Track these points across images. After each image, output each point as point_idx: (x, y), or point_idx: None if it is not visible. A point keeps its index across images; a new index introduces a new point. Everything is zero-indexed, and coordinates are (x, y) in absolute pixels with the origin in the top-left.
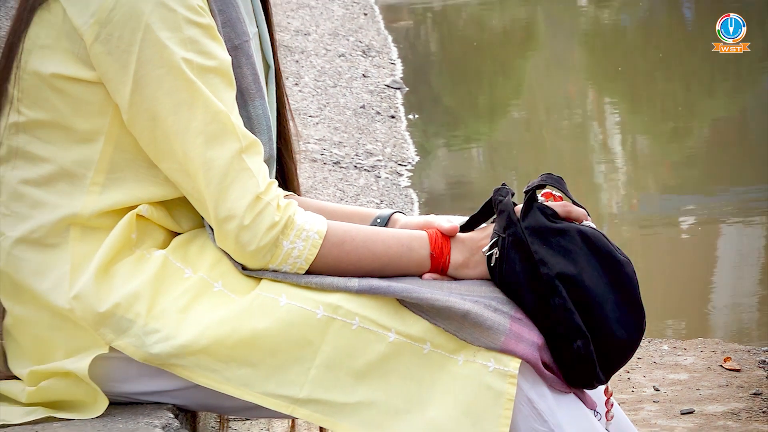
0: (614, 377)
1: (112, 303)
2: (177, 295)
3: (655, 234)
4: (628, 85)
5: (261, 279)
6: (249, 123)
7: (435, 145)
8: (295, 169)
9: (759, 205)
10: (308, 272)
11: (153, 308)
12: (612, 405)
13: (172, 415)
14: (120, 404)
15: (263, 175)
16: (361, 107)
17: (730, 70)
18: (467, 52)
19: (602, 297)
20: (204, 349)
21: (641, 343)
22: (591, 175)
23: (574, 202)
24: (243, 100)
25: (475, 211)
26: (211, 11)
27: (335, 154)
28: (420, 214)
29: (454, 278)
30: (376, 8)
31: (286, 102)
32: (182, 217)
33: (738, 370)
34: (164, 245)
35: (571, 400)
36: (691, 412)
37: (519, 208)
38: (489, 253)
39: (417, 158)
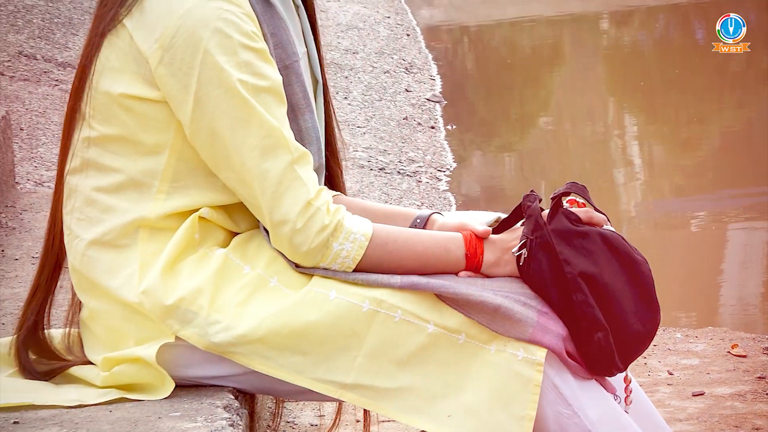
0: (633, 363)
1: (177, 297)
2: (236, 290)
3: (669, 234)
4: (645, 99)
5: (312, 275)
6: (299, 135)
7: (471, 152)
8: (341, 174)
9: (764, 206)
10: (355, 270)
11: (215, 301)
12: (631, 391)
13: (232, 397)
14: (185, 387)
15: (313, 183)
16: (404, 119)
17: (737, 85)
18: (500, 69)
19: (620, 293)
20: (260, 339)
21: (657, 332)
22: (611, 180)
23: (596, 209)
24: (294, 114)
25: (506, 215)
26: (264, 35)
27: (380, 160)
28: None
29: (487, 276)
30: (418, 29)
31: (333, 114)
32: (240, 219)
33: (744, 356)
34: (225, 244)
35: (592, 386)
36: (702, 394)
37: (546, 212)
38: (518, 253)
39: (454, 164)
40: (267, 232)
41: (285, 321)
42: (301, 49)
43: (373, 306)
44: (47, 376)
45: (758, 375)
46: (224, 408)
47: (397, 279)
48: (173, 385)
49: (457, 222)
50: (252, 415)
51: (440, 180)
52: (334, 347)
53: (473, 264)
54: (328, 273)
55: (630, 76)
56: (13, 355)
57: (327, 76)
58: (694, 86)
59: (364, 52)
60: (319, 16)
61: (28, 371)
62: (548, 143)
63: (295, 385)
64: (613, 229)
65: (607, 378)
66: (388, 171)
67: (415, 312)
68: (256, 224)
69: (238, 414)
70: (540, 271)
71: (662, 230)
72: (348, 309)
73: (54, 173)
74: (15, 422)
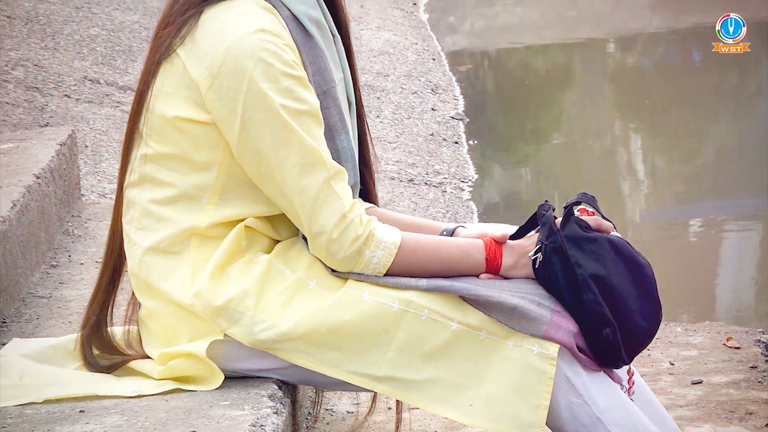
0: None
1: (226, 298)
2: (279, 292)
3: (670, 238)
4: (648, 116)
5: (348, 278)
6: (336, 154)
7: (491, 165)
8: (374, 185)
9: (756, 211)
10: (386, 275)
11: (260, 302)
12: (634, 382)
13: (276, 387)
14: (234, 379)
15: (348, 197)
16: (430, 135)
17: (731, 103)
18: (517, 89)
19: (627, 293)
20: (301, 336)
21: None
22: (618, 190)
23: (604, 217)
24: (331, 134)
25: (523, 223)
26: (303, 63)
27: (409, 173)
28: (479, 222)
29: (505, 278)
30: (443, 54)
31: (367, 132)
32: (282, 228)
33: (738, 348)
34: (268, 250)
35: (601, 377)
36: (700, 382)
37: (559, 220)
38: (534, 257)
39: (476, 176)
40: (305, 239)
41: (323, 320)
42: (338, 75)
43: (403, 306)
44: (109, 369)
45: (751, 365)
46: (269, 397)
47: (423, 282)
48: (222, 377)
49: (479, 230)
50: (294, 404)
51: (463, 190)
52: (367, 343)
53: (493, 267)
54: (361, 277)
55: (635, 95)
56: (78, 351)
57: (362, 97)
58: (692, 104)
59: (394, 75)
60: (354, 43)
61: (92, 365)
62: (561, 157)
63: (332, 377)
64: (620, 235)
65: (614, 370)
66: (416, 182)
67: (440, 311)
68: (296, 232)
69: (281, 403)
70: (553, 273)
71: (664, 235)
72: (380, 309)
73: (115, 186)
74: (81, 411)
